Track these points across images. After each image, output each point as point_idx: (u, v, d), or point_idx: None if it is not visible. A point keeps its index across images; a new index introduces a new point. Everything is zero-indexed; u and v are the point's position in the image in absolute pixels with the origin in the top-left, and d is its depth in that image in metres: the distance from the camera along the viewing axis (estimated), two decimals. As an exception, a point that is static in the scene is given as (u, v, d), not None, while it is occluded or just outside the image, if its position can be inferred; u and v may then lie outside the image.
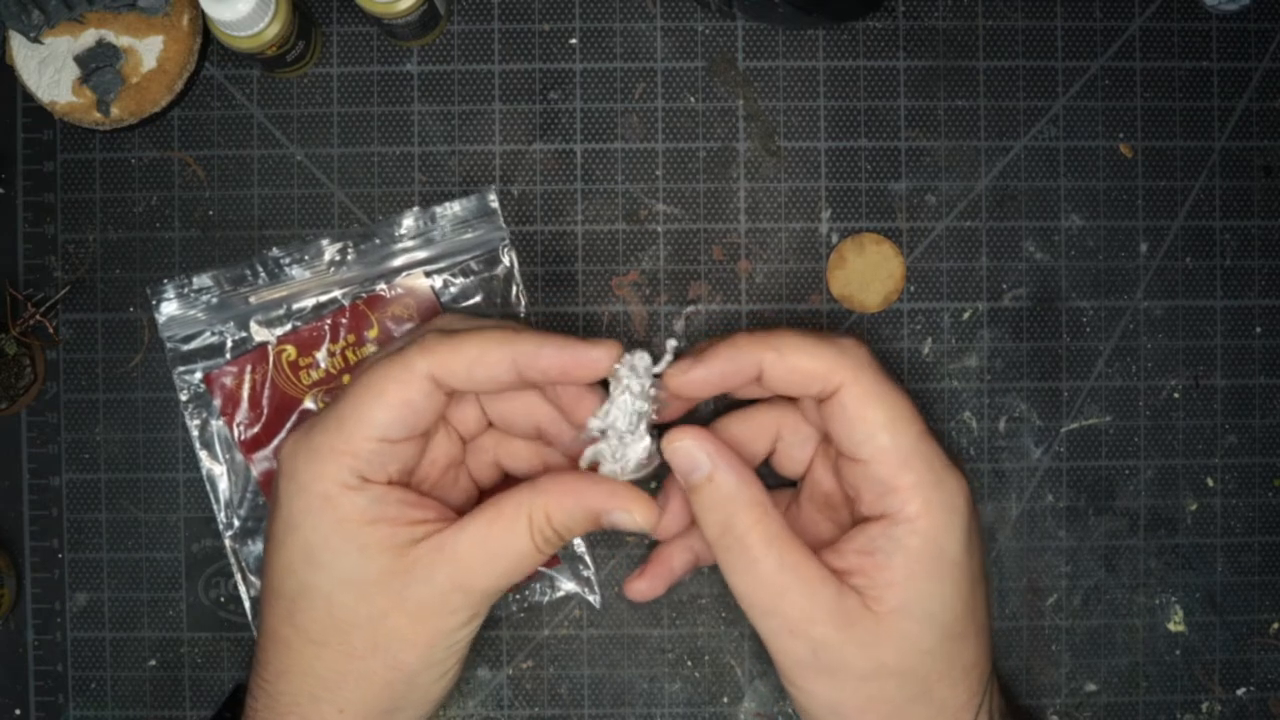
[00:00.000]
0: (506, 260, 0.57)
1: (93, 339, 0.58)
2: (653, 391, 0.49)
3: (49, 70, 0.55)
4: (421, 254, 0.57)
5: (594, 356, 0.47)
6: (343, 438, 0.46)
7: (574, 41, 0.58)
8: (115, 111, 0.55)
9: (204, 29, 0.56)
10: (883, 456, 0.47)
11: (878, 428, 0.47)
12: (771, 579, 0.47)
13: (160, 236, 0.58)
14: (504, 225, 0.57)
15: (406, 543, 0.46)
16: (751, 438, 0.53)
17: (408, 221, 0.56)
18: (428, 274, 0.57)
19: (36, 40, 0.55)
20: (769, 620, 0.47)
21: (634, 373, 0.48)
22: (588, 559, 0.57)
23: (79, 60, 0.55)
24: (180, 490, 0.58)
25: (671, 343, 0.49)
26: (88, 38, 0.55)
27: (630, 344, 0.50)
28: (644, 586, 0.54)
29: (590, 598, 0.58)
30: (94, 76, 0.55)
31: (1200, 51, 0.58)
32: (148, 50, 0.55)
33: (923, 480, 0.47)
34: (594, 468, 0.49)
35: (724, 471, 0.47)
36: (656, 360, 0.49)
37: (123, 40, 0.55)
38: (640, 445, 0.49)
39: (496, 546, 0.47)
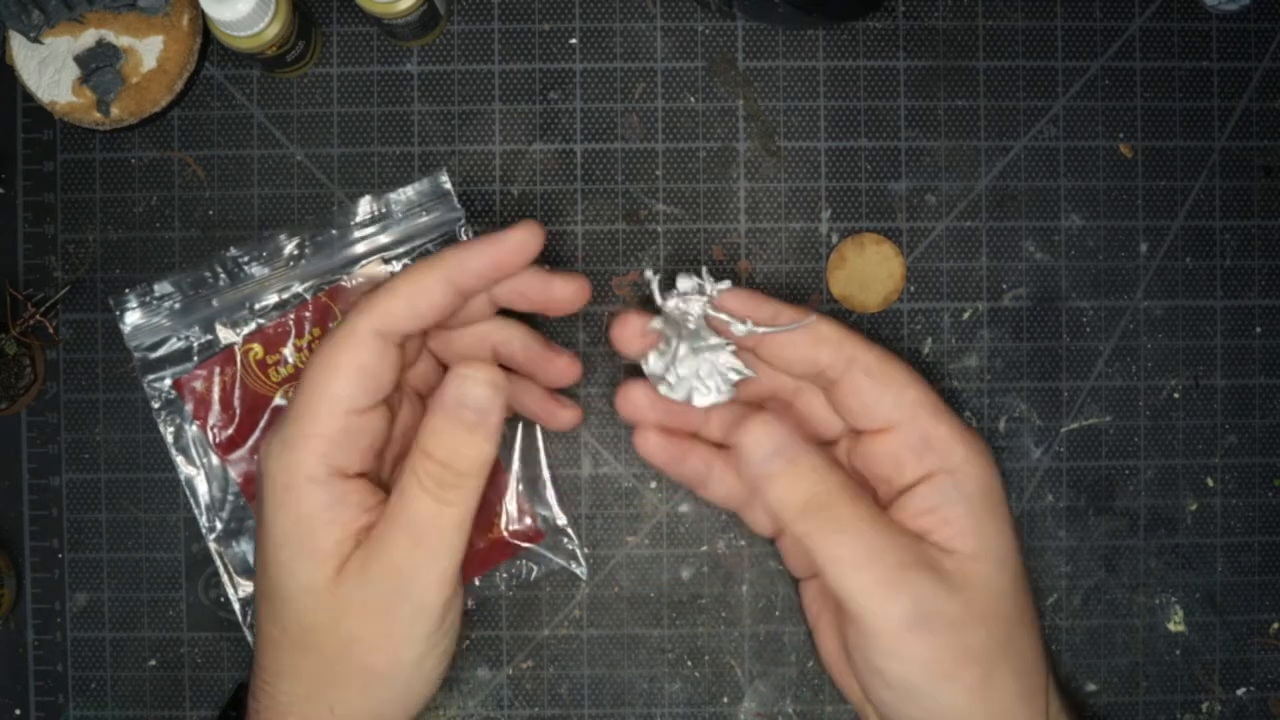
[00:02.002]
0: (464, 239, 0.57)
1: (93, 339, 0.58)
2: (697, 308, 0.49)
3: (49, 70, 0.55)
4: (379, 240, 0.57)
5: (518, 238, 0.47)
6: (310, 421, 0.46)
7: (574, 41, 0.58)
8: (115, 111, 0.55)
9: (204, 29, 0.56)
10: (917, 410, 0.48)
11: (906, 384, 0.48)
12: (863, 537, 0.46)
13: (160, 236, 0.58)
14: (459, 206, 0.57)
15: (352, 546, 0.46)
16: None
17: (363, 209, 0.56)
18: (386, 260, 0.57)
19: (36, 40, 0.55)
20: (862, 576, 0.46)
21: (681, 298, 0.49)
22: (571, 532, 0.57)
23: (79, 60, 0.55)
24: (180, 490, 0.57)
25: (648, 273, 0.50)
26: (88, 38, 0.55)
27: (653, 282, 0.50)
28: (656, 448, 0.52)
29: (577, 570, 0.58)
30: (94, 76, 0.55)
31: (1200, 51, 0.58)
32: (148, 50, 0.55)
33: (957, 430, 0.48)
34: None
35: (804, 451, 0.47)
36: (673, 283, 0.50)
37: (123, 40, 0.55)
38: (712, 360, 0.49)
39: (411, 520, 0.46)
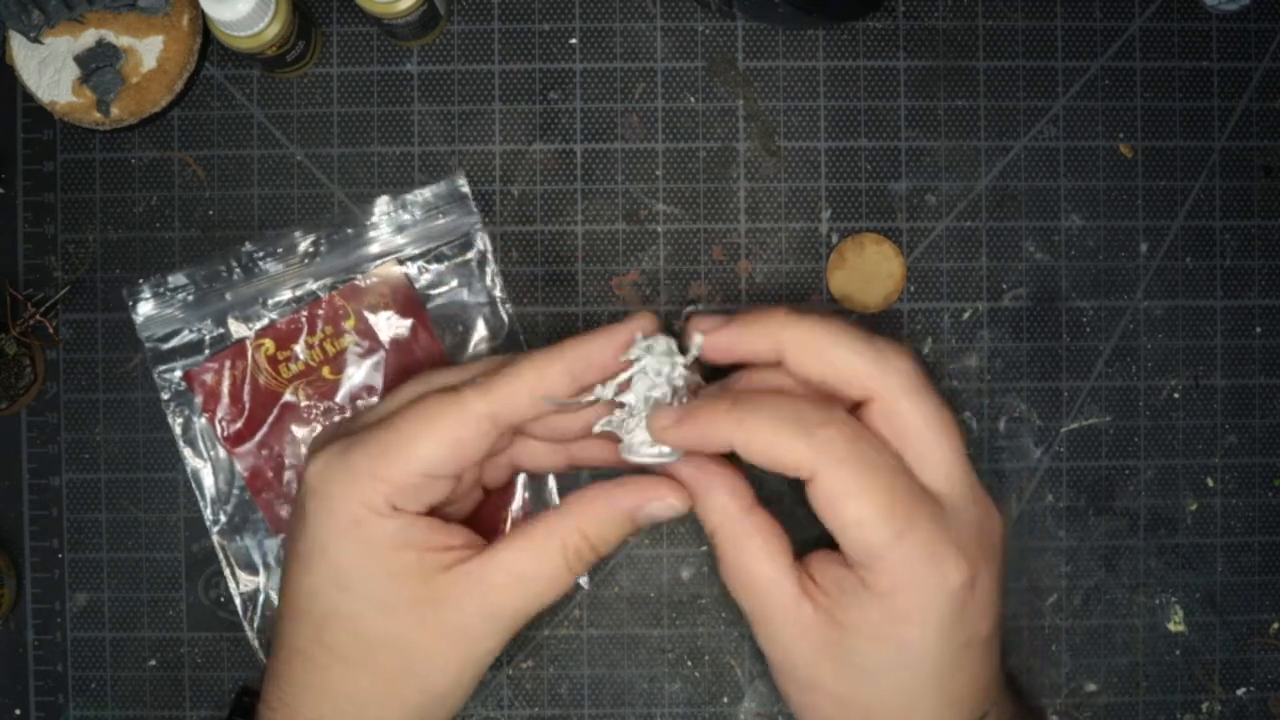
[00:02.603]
0: (480, 244, 0.57)
1: (93, 339, 0.58)
2: (679, 380, 0.48)
3: (49, 70, 0.55)
4: (395, 241, 0.57)
5: (638, 327, 0.47)
6: (385, 464, 0.46)
7: (574, 41, 0.58)
8: (115, 111, 0.55)
9: (204, 29, 0.56)
10: (855, 549, 0.45)
11: (848, 525, 0.44)
12: (730, 575, 0.47)
13: (160, 236, 0.58)
14: (475, 210, 0.57)
15: (435, 569, 0.46)
16: None
17: (379, 209, 0.56)
18: (401, 261, 0.57)
19: (36, 40, 0.55)
20: (740, 607, 0.48)
21: (649, 353, 0.48)
22: None
23: (79, 60, 0.55)
24: (180, 490, 0.58)
25: (698, 339, 0.48)
26: (88, 38, 0.55)
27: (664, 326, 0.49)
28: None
29: (581, 580, 0.58)
30: (94, 76, 0.55)
31: (1200, 51, 0.58)
32: (148, 50, 0.55)
33: (895, 572, 0.45)
34: (609, 436, 0.49)
35: (686, 478, 0.48)
36: (683, 351, 0.48)
37: (123, 40, 0.55)
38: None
39: (527, 572, 0.46)
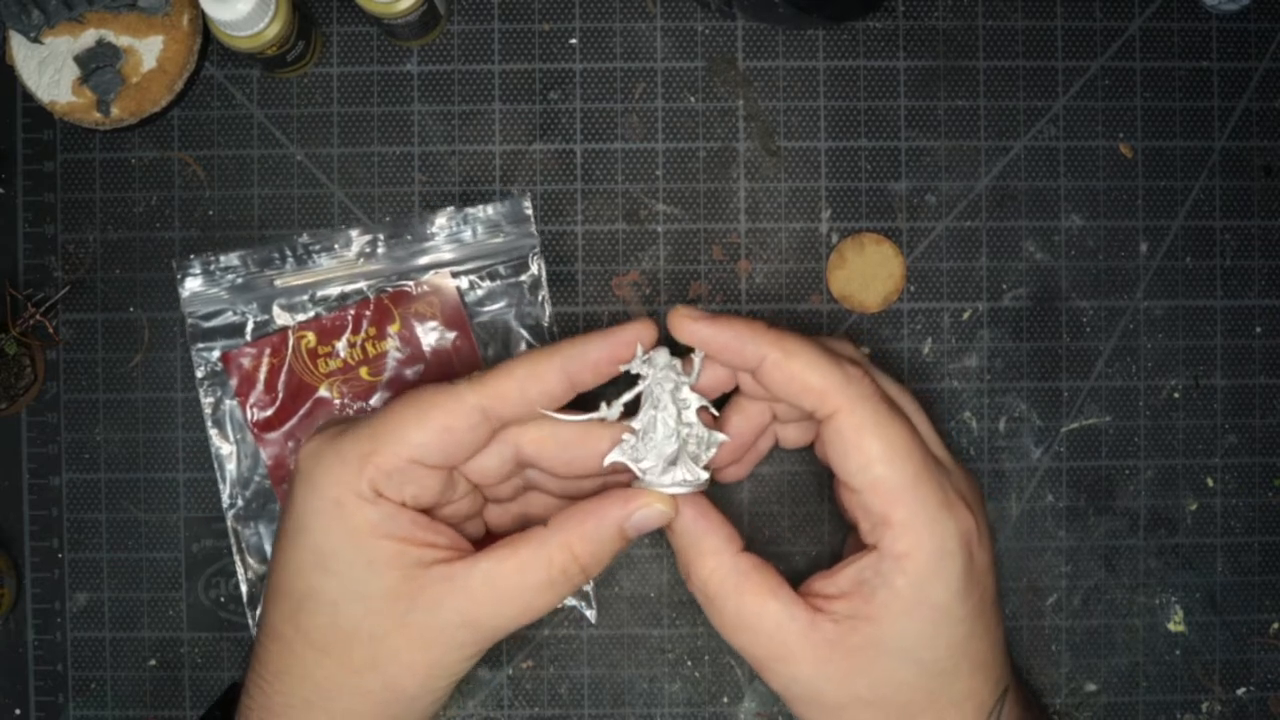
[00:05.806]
0: (534, 268, 0.57)
1: (93, 339, 0.58)
2: (685, 401, 0.48)
3: (49, 70, 0.55)
4: (450, 254, 0.57)
5: (634, 332, 0.48)
6: (372, 449, 0.46)
7: (574, 41, 0.58)
8: (115, 111, 0.55)
9: (204, 29, 0.56)
10: (876, 488, 0.46)
11: (873, 459, 0.46)
12: (734, 622, 0.47)
13: (160, 236, 0.58)
14: (535, 233, 0.57)
15: (415, 564, 0.46)
16: (744, 428, 0.51)
17: (440, 220, 0.56)
18: (455, 274, 0.57)
19: (36, 40, 0.55)
20: (744, 655, 0.48)
21: (650, 365, 0.48)
22: None
23: (79, 60, 0.55)
24: (180, 490, 0.58)
25: (699, 355, 0.48)
26: (88, 38, 0.55)
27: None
28: (737, 471, 0.53)
29: (587, 612, 0.58)
30: (94, 76, 0.55)
31: (1200, 51, 0.58)
32: (148, 50, 0.55)
33: (915, 518, 0.46)
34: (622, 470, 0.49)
35: (677, 528, 0.48)
36: (675, 354, 0.48)
37: (123, 40, 0.55)
38: (681, 461, 0.48)
39: (509, 586, 0.46)
